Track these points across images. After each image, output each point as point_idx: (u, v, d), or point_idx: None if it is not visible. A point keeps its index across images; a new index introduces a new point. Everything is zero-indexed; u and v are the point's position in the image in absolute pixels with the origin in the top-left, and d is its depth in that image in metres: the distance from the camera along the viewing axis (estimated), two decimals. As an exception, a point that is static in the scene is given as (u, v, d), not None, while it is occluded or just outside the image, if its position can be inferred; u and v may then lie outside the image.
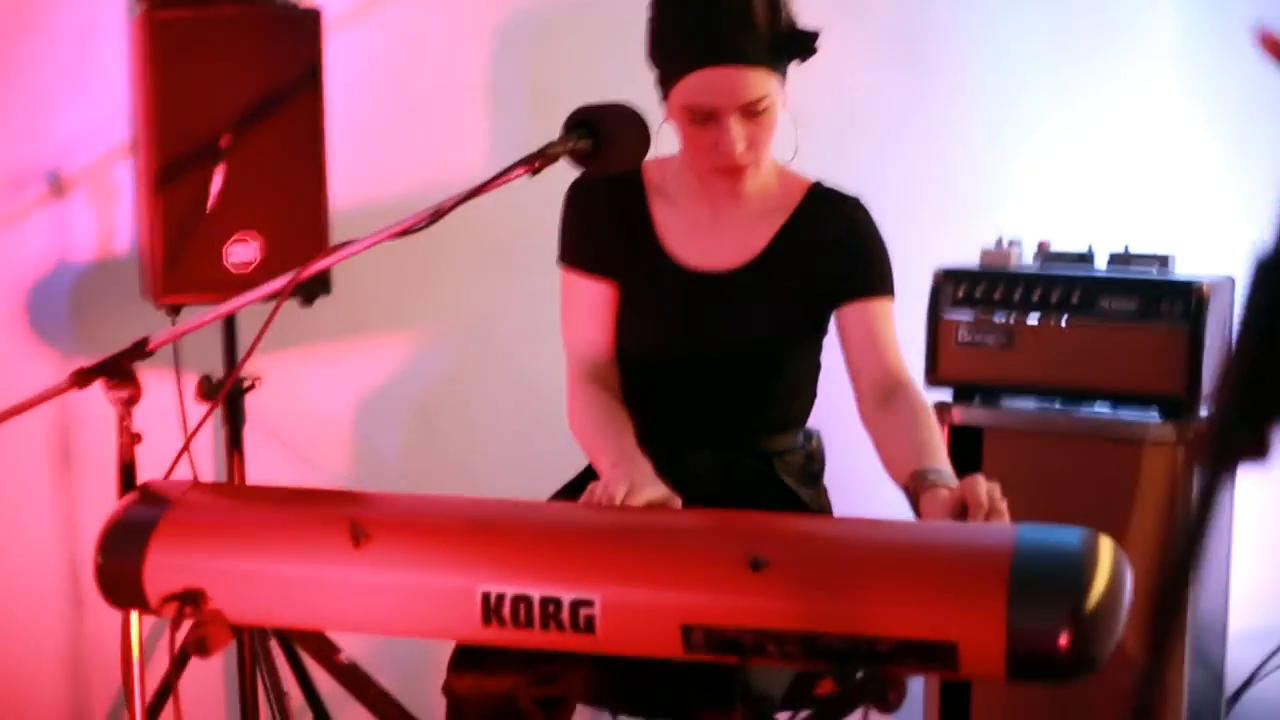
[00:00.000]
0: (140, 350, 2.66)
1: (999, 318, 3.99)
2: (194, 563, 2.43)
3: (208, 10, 3.39)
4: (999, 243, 4.11)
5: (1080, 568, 2.13)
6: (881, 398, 2.83)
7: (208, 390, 3.47)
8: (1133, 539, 3.68)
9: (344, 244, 2.63)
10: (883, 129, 4.56)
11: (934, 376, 4.05)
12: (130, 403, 2.65)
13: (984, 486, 2.39)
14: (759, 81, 2.76)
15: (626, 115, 2.65)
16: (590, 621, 2.26)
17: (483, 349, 4.25)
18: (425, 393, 4.20)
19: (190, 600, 2.40)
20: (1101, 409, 3.96)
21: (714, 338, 2.95)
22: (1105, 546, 2.20)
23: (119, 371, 2.63)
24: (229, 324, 3.58)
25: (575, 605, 2.26)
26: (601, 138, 2.63)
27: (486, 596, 2.29)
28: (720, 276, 2.97)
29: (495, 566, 2.30)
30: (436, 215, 2.58)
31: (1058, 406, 4.02)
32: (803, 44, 2.82)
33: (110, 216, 3.76)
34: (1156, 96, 4.75)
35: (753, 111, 2.78)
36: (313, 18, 3.49)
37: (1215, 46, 4.66)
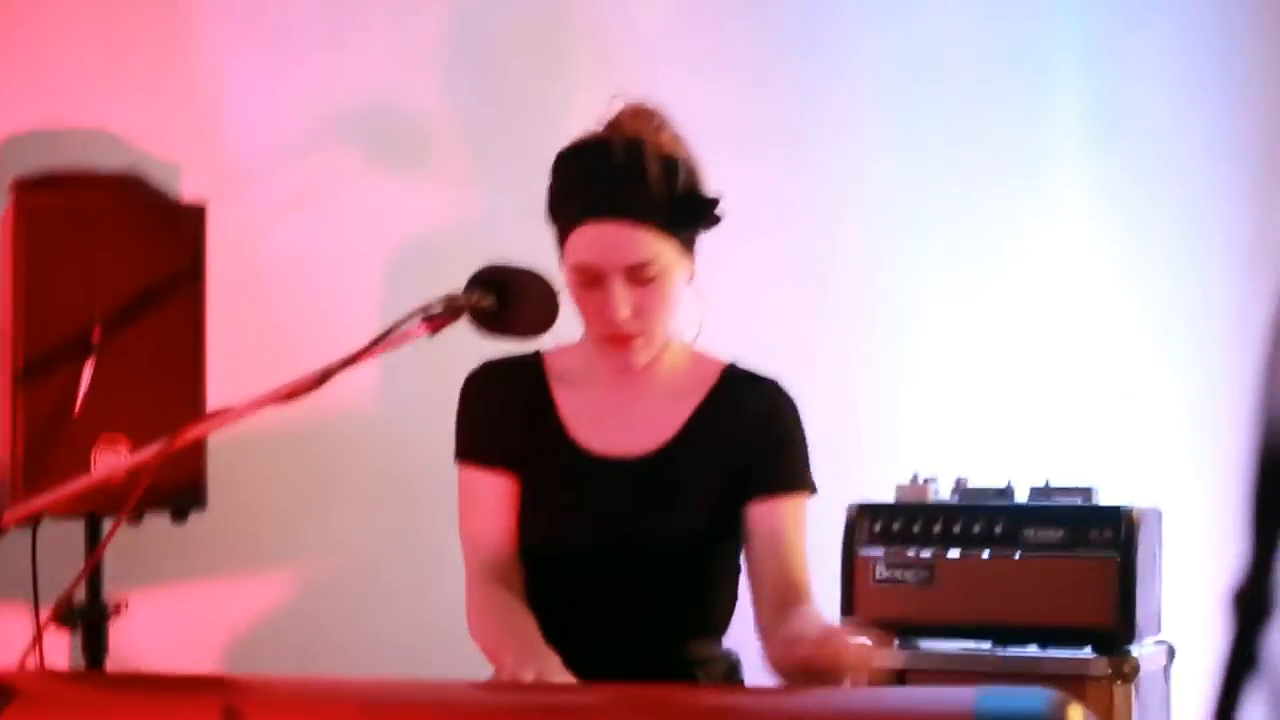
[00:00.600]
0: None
1: (918, 553, 3.81)
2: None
3: (85, 199, 3.27)
4: (914, 479, 3.97)
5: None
6: (780, 606, 2.67)
7: (67, 614, 3.20)
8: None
9: (221, 410, 2.42)
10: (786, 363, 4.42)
11: (850, 617, 3.83)
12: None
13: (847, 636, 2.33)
14: (646, 242, 2.65)
15: (535, 279, 2.55)
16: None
17: (369, 591, 4.00)
18: (306, 637, 3.93)
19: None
20: (1030, 649, 3.76)
21: (623, 528, 2.77)
22: (1075, 713, 1.97)
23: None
24: (92, 540, 3.32)
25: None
26: (508, 298, 2.48)
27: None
28: (629, 463, 2.80)
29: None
30: (324, 377, 2.41)
31: (985, 647, 3.81)
32: (700, 210, 2.72)
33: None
34: (1070, 316, 4.65)
35: (640, 277, 2.66)
36: (196, 213, 3.37)
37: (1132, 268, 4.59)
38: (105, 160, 3.52)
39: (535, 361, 2.88)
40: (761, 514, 2.75)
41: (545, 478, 2.81)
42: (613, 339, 2.72)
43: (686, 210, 2.70)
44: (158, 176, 3.52)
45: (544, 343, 2.75)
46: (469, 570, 2.80)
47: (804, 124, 4.47)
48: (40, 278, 3.23)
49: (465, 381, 2.89)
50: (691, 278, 2.76)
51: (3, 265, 3.30)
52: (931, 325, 4.61)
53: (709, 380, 2.84)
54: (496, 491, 2.81)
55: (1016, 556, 3.73)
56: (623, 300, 2.65)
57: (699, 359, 2.87)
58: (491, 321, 2.49)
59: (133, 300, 3.26)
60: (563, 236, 2.72)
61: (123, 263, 3.28)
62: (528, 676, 2.32)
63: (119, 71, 3.91)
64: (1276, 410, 1.21)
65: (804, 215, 4.50)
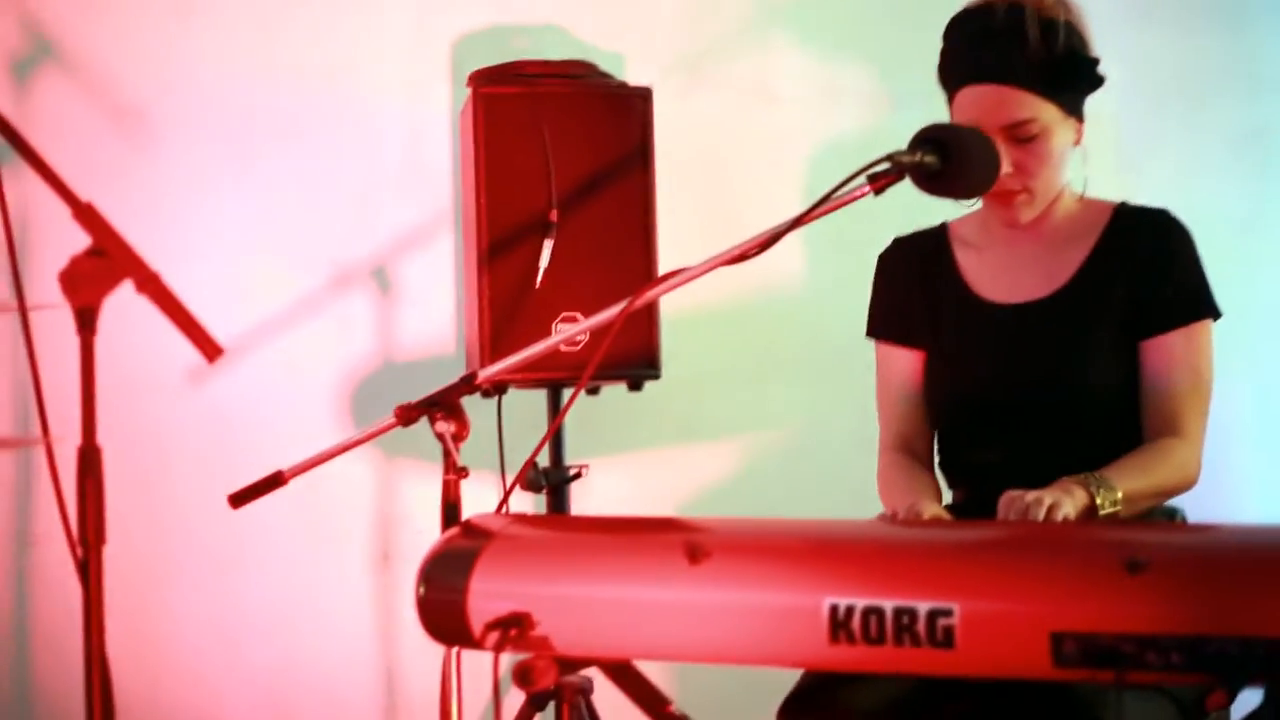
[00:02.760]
0: (468, 384, 2.57)
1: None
2: (518, 589, 2.29)
3: (538, 87, 3.38)
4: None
5: None
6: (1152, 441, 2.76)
7: (532, 479, 3.37)
8: None
9: (675, 272, 2.51)
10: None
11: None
12: (457, 438, 2.55)
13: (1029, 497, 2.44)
14: (1023, 103, 2.73)
15: (977, 138, 2.56)
16: (949, 634, 2.03)
17: (808, 464, 4.09)
18: (750, 507, 4.05)
19: (514, 625, 2.25)
20: None
21: (1027, 369, 2.83)
22: None
23: (446, 406, 2.54)
24: (554, 409, 3.49)
25: (933, 616, 2.04)
26: (951, 156, 2.49)
27: (834, 610, 2.09)
28: (1029, 307, 2.86)
29: (843, 578, 2.11)
30: (773, 238, 2.46)
31: None
32: (1082, 72, 2.76)
33: (435, 314, 3.75)
34: None
35: (1019, 136, 2.75)
36: (643, 96, 3.47)
37: None
38: (553, 52, 3.68)
39: (939, 231, 3.00)
40: (1148, 351, 2.78)
41: (953, 335, 2.91)
42: (998, 196, 2.79)
43: (1066, 72, 2.74)
44: (603, 65, 3.66)
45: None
46: (881, 438, 2.99)
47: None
48: (500, 163, 3.39)
49: (877, 260, 3.04)
50: (1078, 139, 2.82)
51: (466, 153, 3.46)
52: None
53: (1101, 222, 2.87)
54: (904, 367, 2.97)
55: None
56: (1004, 158, 2.69)
57: (1090, 204, 2.90)
58: (934, 180, 2.50)
59: (586, 181, 3.39)
60: (950, 99, 2.81)
61: (576, 146, 3.42)
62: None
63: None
64: None
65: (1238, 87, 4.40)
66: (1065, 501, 2.47)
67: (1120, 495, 2.56)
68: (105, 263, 2.15)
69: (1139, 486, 2.62)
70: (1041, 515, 2.42)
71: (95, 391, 2.15)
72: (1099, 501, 2.54)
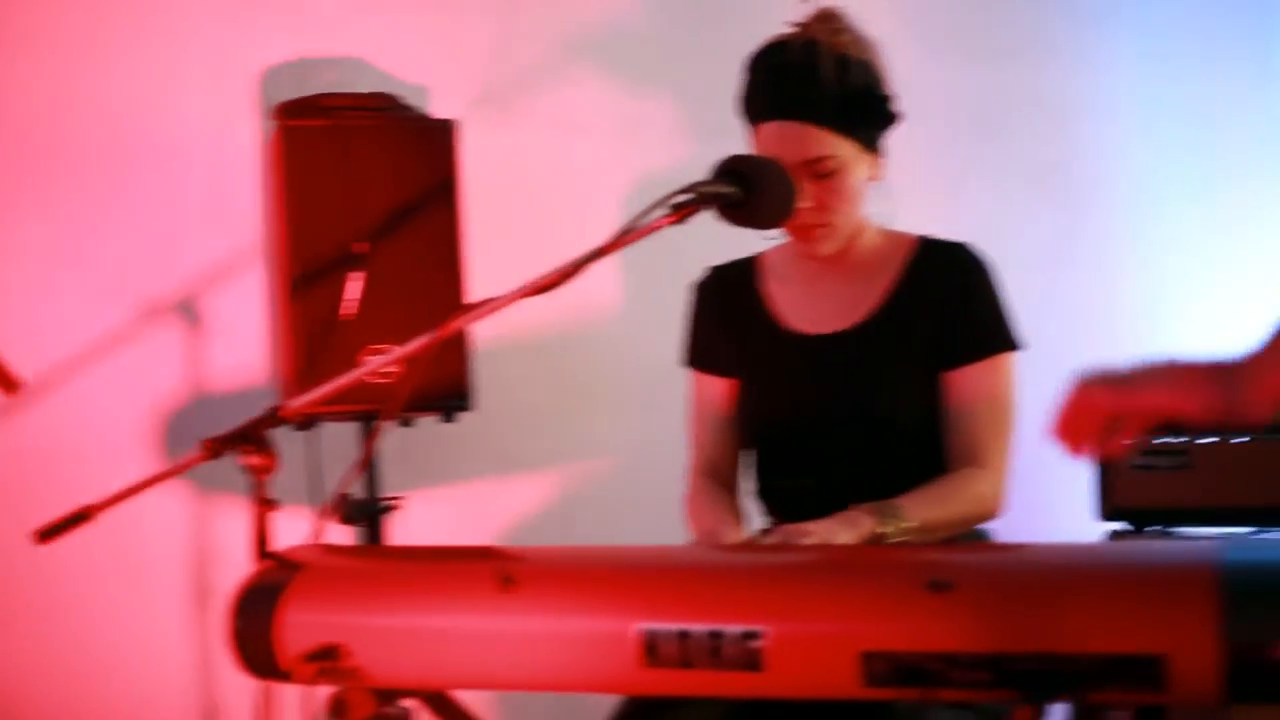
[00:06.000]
0: (274, 416, 2.54)
1: (1173, 438, 3.76)
2: (330, 619, 2.28)
3: (343, 119, 3.37)
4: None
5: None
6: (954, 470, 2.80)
7: (347, 511, 3.34)
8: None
9: (482, 302, 2.51)
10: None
11: (1108, 508, 3.80)
12: (265, 470, 2.52)
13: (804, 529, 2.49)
14: (819, 140, 2.78)
15: (775, 169, 2.59)
16: (760, 656, 2.06)
17: (627, 493, 4.10)
18: (569, 537, 4.05)
19: (326, 657, 2.23)
20: (1290, 532, 3.71)
21: (831, 399, 2.87)
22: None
23: (252, 439, 2.51)
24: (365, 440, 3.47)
25: (742, 638, 2.07)
26: (751, 186, 2.52)
27: (645, 634, 2.11)
28: (833, 338, 2.91)
29: (653, 603, 2.12)
30: (578, 266, 2.46)
31: (1244, 533, 3.74)
32: (876, 109, 2.83)
33: (245, 346, 3.72)
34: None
35: (817, 171, 2.79)
36: (446, 128, 3.45)
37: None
38: (359, 85, 3.67)
39: (751, 262, 3.04)
40: (950, 382, 2.83)
41: (761, 365, 2.95)
42: (798, 228, 2.84)
43: (860, 109, 2.80)
44: (409, 98, 3.65)
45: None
46: (689, 463, 3.03)
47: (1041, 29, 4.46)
48: (306, 195, 3.38)
49: (691, 290, 3.07)
50: (875, 175, 2.86)
51: (271, 185, 3.44)
52: (1166, 212, 4.57)
53: (904, 255, 2.92)
54: (715, 394, 3.00)
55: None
56: (803, 192, 2.75)
57: (894, 237, 2.96)
58: (734, 210, 2.53)
59: (393, 214, 3.37)
60: (751, 133, 2.85)
61: (381, 178, 3.42)
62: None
63: (366, 1, 4.06)
64: None
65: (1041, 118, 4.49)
66: (840, 534, 2.51)
67: (910, 524, 2.60)
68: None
69: (934, 516, 2.66)
70: None
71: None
72: (887, 530, 2.58)
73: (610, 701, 2.64)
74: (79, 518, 2.60)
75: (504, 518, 4.02)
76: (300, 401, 2.60)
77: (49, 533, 2.60)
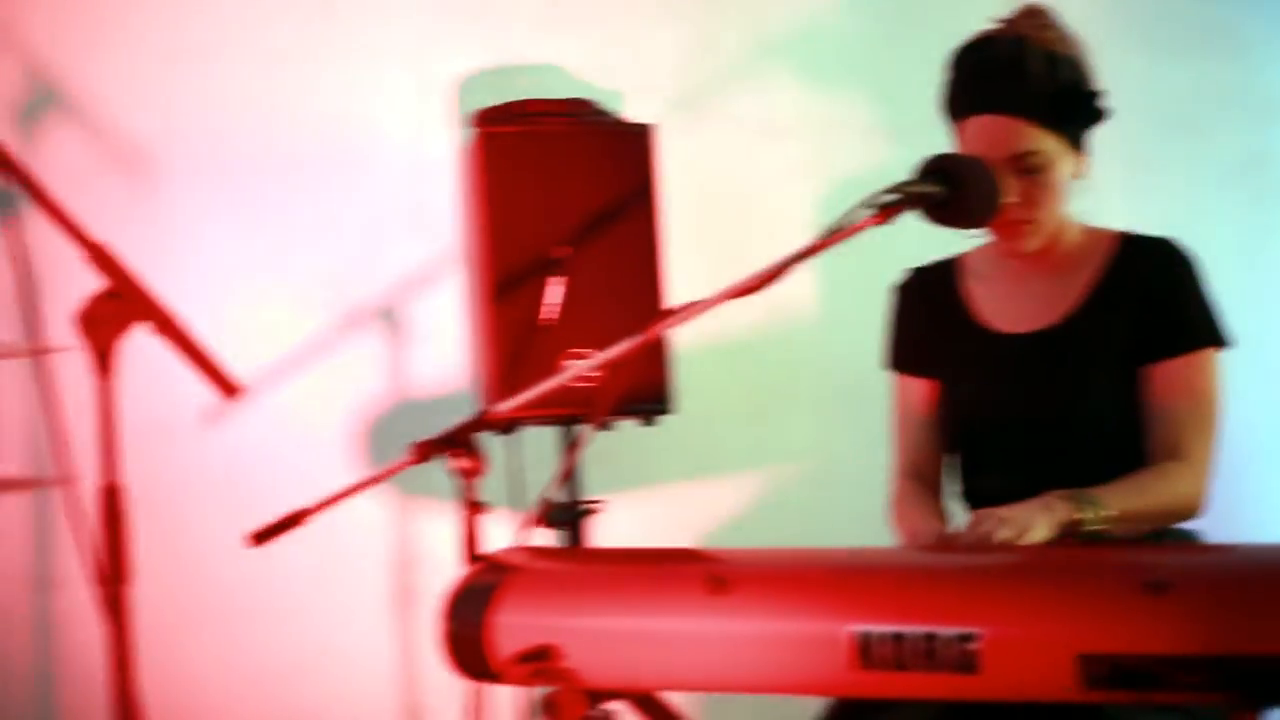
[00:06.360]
0: (480, 422, 2.57)
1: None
2: (543, 621, 2.30)
3: (540, 126, 3.40)
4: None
5: None
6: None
7: (548, 515, 3.37)
8: None
9: (687, 305, 2.51)
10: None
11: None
12: (474, 474, 2.55)
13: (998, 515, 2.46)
14: (1027, 135, 2.76)
15: (980, 167, 2.56)
16: (975, 659, 2.04)
17: (835, 490, 4.09)
18: (768, 540, 4.05)
19: (541, 658, 2.25)
20: None
21: (1032, 398, 2.84)
22: None
23: (461, 442, 2.54)
24: (565, 444, 3.50)
25: (957, 641, 2.05)
26: (956, 185, 2.50)
27: (858, 637, 2.10)
28: (1033, 336, 2.88)
29: (866, 605, 2.11)
30: (781, 269, 2.47)
31: None
32: (1084, 105, 2.80)
33: (444, 351, 3.77)
34: None
35: (1023, 167, 2.77)
36: (644, 133, 3.47)
37: None
38: (555, 91, 3.70)
39: (951, 263, 3.02)
40: (1152, 377, 2.79)
41: (963, 365, 2.94)
42: (1003, 226, 2.81)
43: (1068, 105, 2.77)
44: (604, 103, 3.68)
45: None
46: (893, 465, 3.03)
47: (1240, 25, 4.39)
48: (506, 201, 3.41)
49: (891, 292, 3.07)
50: (1079, 173, 2.84)
51: (471, 191, 3.48)
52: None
53: (1106, 251, 2.89)
54: (918, 396, 3.00)
55: None
56: (1008, 189, 2.72)
57: (1096, 234, 2.92)
58: (940, 210, 2.52)
59: (591, 218, 3.40)
60: (954, 130, 2.84)
61: (580, 183, 3.45)
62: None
63: (560, 8, 4.09)
64: None
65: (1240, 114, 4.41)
66: (1038, 521, 2.48)
67: (1109, 513, 2.56)
68: (121, 304, 2.15)
69: (1132, 506, 2.62)
70: (1003, 537, 2.43)
71: (116, 430, 2.16)
72: (1085, 516, 2.54)
73: (814, 704, 2.63)
74: (292, 521, 2.66)
75: (702, 521, 4.03)
76: (506, 406, 2.63)
77: (263, 535, 2.65)
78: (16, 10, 3.86)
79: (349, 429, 3.87)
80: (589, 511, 3.47)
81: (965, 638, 2.04)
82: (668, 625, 2.23)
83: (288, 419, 3.83)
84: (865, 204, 2.45)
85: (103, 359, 2.14)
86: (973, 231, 2.75)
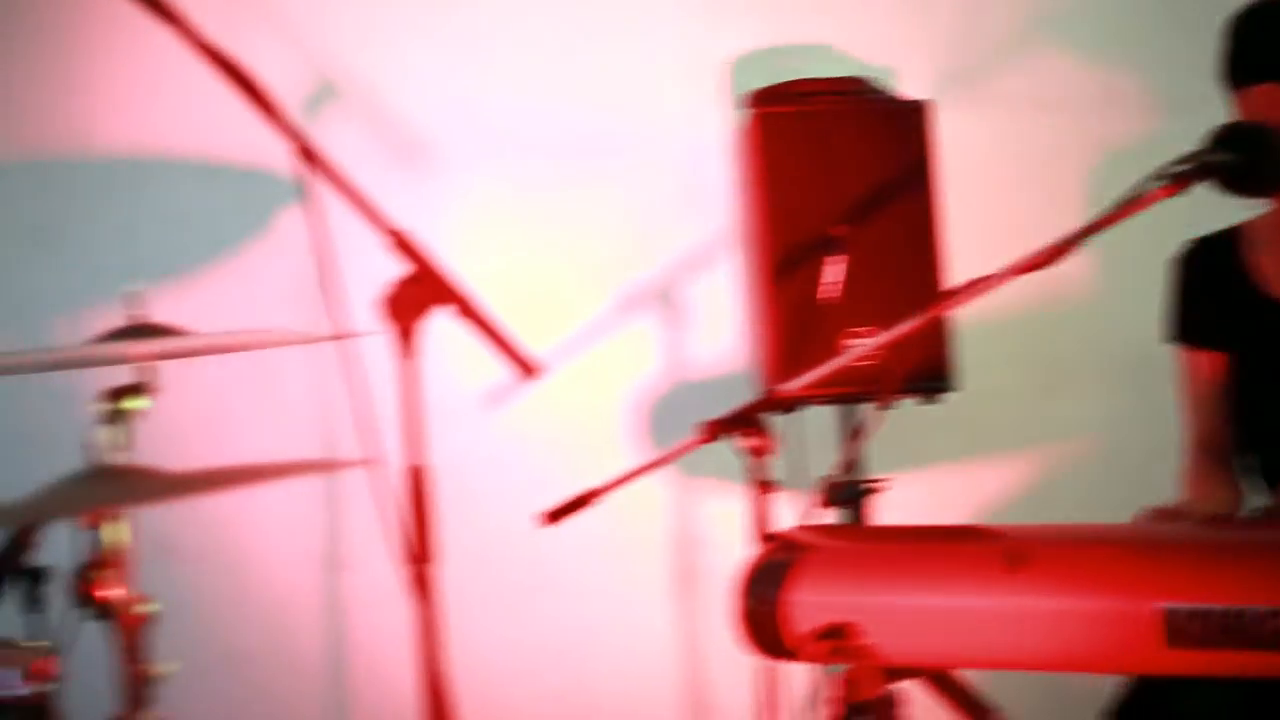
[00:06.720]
0: (768, 401, 2.60)
1: None
2: (840, 599, 2.31)
3: (815, 105, 3.43)
4: None
5: None
6: None
7: (832, 493, 3.36)
8: None
9: (975, 281, 2.50)
10: None
11: None
12: (762, 453, 2.57)
13: None
14: None
15: (1276, 136, 2.48)
16: (1290, 636, 1.99)
17: (1117, 467, 4.02)
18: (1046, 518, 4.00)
19: (838, 636, 2.26)
20: None
21: None
22: None
23: (750, 422, 2.56)
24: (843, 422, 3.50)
25: (1269, 617, 2.00)
26: (1254, 155, 2.44)
27: (1168, 614, 2.06)
28: None
29: (1176, 581, 2.08)
30: (1069, 243, 2.45)
31: None
32: None
33: (721, 332, 3.79)
34: None
35: None
36: (919, 109, 3.46)
37: None
38: (826, 70, 3.69)
39: (1232, 233, 2.94)
40: None
41: (1251, 338, 2.87)
42: None
43: None
44: (876, 81, 3.66)
45: None
46: (1183, 440, 2.97)
47: None
48: (783, 181, 3.43)
49: (1172, 264, 3.00)
50: None
51: (746, 172, 3.50)
52: None
53: None
54: (1205, 370, 2.94)
55: None
56: None
57: None
58: (1235, 179, 2.47)
59: (869, 196, 3.39)
60: (1238, 97, 2.76)
61: (856, 161, 3.45)
62: None
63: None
64: None
65: None
66: None
67: None
68: (423, 288, 2.20)
69: None
70: None
71: (420, 412, 2.21)
72: None
73: (1099, 683, 2.59)
74: (583, 501, 2.70)
75: (981, 499, 3.99)
76: (793, 385, 2.64)
77: (556, 514, 2.70)
78: (295, 4, 3.96)
79: (628, 410, 3.92)
80: (873, 490, 3.46)
81: (1277, 614, 2.00)
82: (966, 602, 2.23)
83: (568, 401, 3.88)
84: (1157, 175, 2.41)
85: (406, 342, 2.19)
86: (1256, 201, 2.69)
